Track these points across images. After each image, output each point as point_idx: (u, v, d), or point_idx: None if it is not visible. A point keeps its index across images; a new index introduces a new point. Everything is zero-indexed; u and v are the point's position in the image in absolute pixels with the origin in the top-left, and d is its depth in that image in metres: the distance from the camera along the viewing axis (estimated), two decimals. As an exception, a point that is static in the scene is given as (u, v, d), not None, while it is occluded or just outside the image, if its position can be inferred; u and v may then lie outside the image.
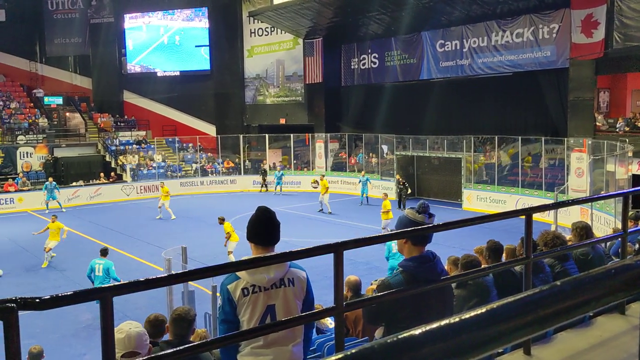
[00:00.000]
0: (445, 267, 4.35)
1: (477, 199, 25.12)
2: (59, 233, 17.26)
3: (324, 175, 26.76)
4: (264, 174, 32.08)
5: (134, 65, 38.04)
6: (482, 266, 5.21)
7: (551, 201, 18.87)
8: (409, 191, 25.44)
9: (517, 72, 25.44)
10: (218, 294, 3.19)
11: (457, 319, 1.16)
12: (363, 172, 28.34)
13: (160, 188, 25.30)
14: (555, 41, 23.76)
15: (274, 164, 34.20)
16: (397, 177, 26.67)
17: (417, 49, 29.19)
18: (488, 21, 26.05)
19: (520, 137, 24.68)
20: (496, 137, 25.55)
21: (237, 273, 3.14)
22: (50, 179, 27.24)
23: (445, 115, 28.16)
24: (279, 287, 3.16)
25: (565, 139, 23.02)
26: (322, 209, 24.67)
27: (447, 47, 27.85)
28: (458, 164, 26.26)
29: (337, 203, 25.95)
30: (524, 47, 24.91)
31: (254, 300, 3.10)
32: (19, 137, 31.64)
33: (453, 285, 4.36)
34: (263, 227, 3.25)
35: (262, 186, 31.84)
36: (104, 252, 12.73)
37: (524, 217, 3.44)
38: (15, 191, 27.82)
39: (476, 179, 26.01)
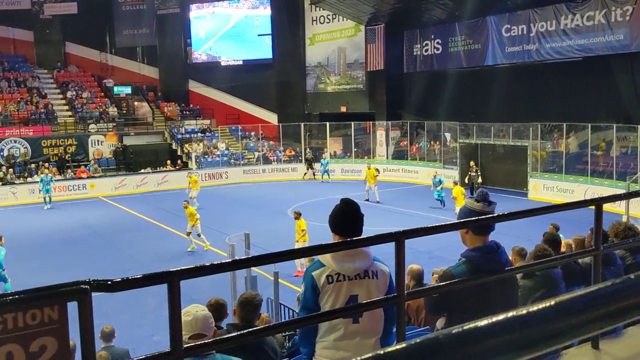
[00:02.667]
0: (510, 258, 4.26)
1: (543, 188, 24.39)
2: (194, 217, 17.06)
3: (370, 165, 26.23)
4: (309, 162, 32.36)
5: (199, 54, 38.85)
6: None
7: (623, 191, 18.12)
8: (480, 180, 24.79)
9: (587, 57, 24.43)
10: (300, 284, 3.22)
11: (524, 311, 1.13)
12: (435, 172, 24.40)
13: (189, 178, 25.08)
14: (629, 24, 22.65)
15: (334, 152, 34.27)
16: (472, 163, 25.91)
17: (482, 35, 28.48)
18: (557, 4, 25.10)
19: (590, 125, 23.75)
20: (564, 125, 24.68)
21: (323, 261, 3.16)
22: (46, 171, 26.52)
23: (510, 102, 27.40)
24: (363, 278, 3.15)
25: (639, 126, 22.00)
26: (368, 199, 24.07)
27: (514, 32, 27.04)
28: (524, 152, 25.55)
29: (398, 192, 25.78)
30: (595, 31, 23.88)
31: (338, 288, 3.10)
32: (91, 126, 32.92)
33: (518, 275, 4.27)
34: (347, 218, 3.24)
35: (304, 174, 32.24)
36: None
37: (593, 207, 3.32)
38: (88, 177, 29.03)
39: (543, 168, 25.25)
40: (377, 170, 25.45)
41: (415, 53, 32.35)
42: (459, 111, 29.12)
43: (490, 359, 1.04)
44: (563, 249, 6.47)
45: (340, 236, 3.22)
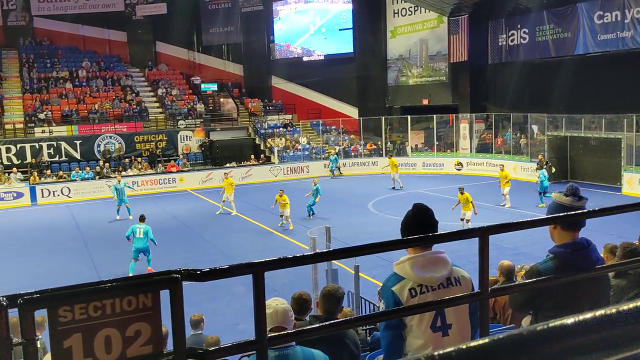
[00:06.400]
0: (602, 255, 4.08)
1: (639, 183, 23.07)
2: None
3: (392, 155, 29.29)
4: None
5: (282, 51, 39.44)
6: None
7: None
8: (553, 170, 24.03)
9: (690, 43, 22.86)
10: (380, 301, 3.15)
11: (613, 310, 1.09)
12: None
13: (224, 179, 22.72)
14: None
15: (415, 145, 33.88)
16: (540, 157, 25.08)
17: (572, 22, 27.22)
18: (656, -13, 23.66)
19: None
20: (663, 115, 23.23)
21: (401, 273, 2.97)
22: (119, 177, 23.58)
23: (602, 92, 26.04)
24: (447, 287, 2.97)
25: None
26: (394, 187, 26.26)
27: (606, 19, 25.66)
28: (617, 144, 24.26)
29: (482, 186, 25.16)
30: (699, 14, 22.30)
31: (423, 301, 2.90)
32: (180, 122, 34.22)
33: (610, 275, 4.09)
34: (421, 225, 3.01)
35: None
36: (143, 219, 14.73)
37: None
38: (177, 172, 30.22)
39: (638, 161, 23.88)
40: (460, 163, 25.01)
41: (500, 43, 31.37)
42: (546, 102, 28.01)
43: (576, 357, 1.02)
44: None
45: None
